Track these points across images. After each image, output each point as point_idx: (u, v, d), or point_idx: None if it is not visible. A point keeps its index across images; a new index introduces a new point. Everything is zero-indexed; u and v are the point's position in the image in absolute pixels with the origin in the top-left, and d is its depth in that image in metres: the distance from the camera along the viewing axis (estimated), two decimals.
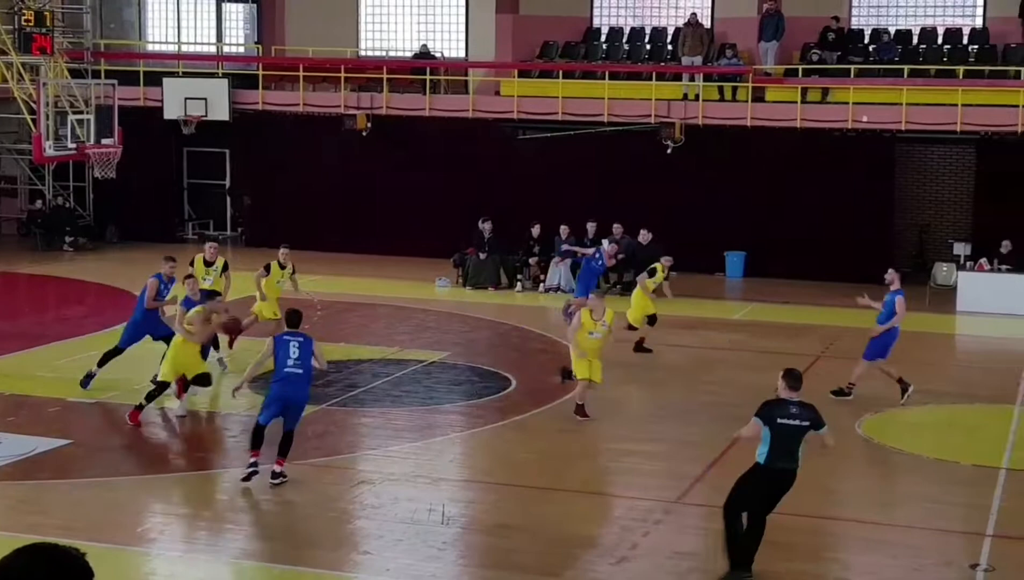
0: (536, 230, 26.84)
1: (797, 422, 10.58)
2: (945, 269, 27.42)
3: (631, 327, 19.70)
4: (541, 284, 26.38)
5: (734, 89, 29.34)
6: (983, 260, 25.43)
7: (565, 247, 25.84)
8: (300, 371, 13.06)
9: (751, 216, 28.02)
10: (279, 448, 13.10)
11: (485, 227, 26.75)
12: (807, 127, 28.01)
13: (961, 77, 27.85)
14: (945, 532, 12.18)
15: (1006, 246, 25.30)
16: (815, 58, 29.40)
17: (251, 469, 13.06)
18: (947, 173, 29.65)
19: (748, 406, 15.05)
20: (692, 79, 29.54)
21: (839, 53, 29.47)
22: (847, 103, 27.85)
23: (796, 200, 27.88)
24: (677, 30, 30.59)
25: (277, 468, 13.10)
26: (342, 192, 30.33)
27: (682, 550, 11.68)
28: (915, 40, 30.31)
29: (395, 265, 27.79)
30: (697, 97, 29.02)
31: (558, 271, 26.31)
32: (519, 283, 26.49)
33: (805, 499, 13.28)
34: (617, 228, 26.31)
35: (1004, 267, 25.12)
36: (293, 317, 13.54)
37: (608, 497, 13.54)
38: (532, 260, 26.73)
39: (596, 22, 32.42)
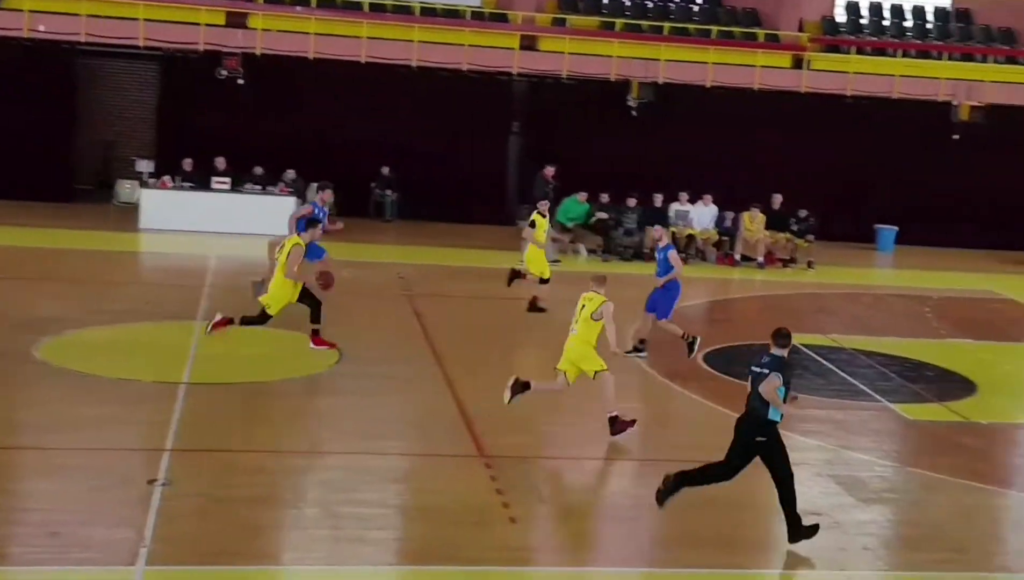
0: None
1: (758, 369, 10.43)
2: (128, 186, 27.35)
3: (543, 281, 19.08)
4: None
5: None
6: (167, 177, 25.56)
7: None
8: None
9: None
10: None
11: None
12: None
13: None
14: (126, 451, 11.98)
15: (188, 164, 25.64)
16: None
17: None
18: (131, 89, 29.43)
19: None
20: None
21: None
22: (23, 10, 26.50)
23: None
24: None
25: None
26: None
27: None
28: None
29: None
30: None
31: None
32: None
33: None
34: None
35: (187, 185, 25.46)
36: None
37: None
38: None
39: None
